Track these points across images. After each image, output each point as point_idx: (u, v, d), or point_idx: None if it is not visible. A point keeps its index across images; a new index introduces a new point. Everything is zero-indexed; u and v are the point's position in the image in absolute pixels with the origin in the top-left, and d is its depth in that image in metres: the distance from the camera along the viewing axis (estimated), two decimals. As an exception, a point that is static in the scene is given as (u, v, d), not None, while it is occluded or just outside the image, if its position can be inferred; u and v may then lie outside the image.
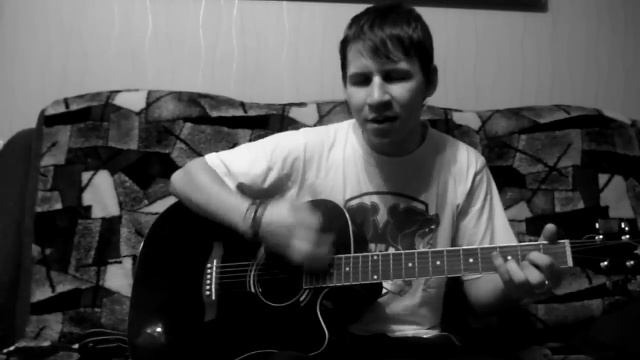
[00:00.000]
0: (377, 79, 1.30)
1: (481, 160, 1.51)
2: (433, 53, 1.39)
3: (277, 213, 1.27)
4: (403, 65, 1.30)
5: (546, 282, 1.12)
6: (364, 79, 1.32)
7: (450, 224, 1.46)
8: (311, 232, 1.24)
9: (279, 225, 1.26)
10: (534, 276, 1.11)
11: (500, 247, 1.18)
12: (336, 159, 1.46)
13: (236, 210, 1.32)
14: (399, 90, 1.31)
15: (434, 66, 1.40)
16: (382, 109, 1.30)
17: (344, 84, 1.40)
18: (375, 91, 1.29)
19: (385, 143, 1.38)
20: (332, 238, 1.26)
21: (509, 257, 1.15)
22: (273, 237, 1.28)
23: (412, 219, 1.44)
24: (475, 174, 1.47)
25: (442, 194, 1.46)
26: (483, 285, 1.41)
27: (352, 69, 1.34)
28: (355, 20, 1.35)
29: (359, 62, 1.31)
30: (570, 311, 1.74)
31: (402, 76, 1.31)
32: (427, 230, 1.45)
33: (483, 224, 1.46)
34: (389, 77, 1.30)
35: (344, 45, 1.37)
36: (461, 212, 1.47)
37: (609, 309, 1.74)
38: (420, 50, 1.32)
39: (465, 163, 1.48)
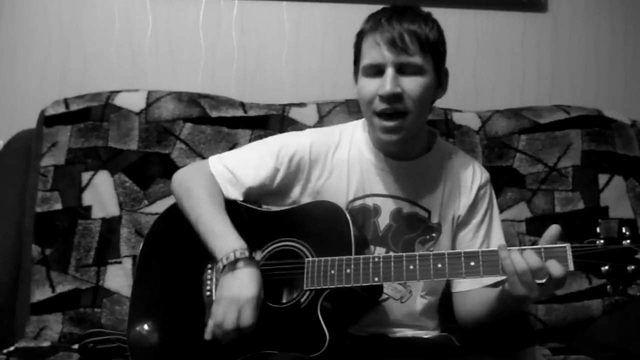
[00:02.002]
0: (390, 71, 1.30)
1: (486, 174, 1.51)
2: (446, 56, 1.40)
3: (236, 281, 1.26)
4: (417, 59, 1.30)
5: (548, 270, 1.11)
6: (376, 71, 1.32)
7: (451, 234, 1.46)
8: (222, 326, 1.24)
9: (228, 290, 1.26)
10: (534, 260, 1.12)
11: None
12: (340, 160, 1.45)
13: (221, 242, 1.32)
14: (412, 84, 1.31)
15: (446, 69, 1.40)
16: (392, 100, 1.30)
17: (355, 79, 1.40)
18: (387, 82, 1.29)
19: (393, 141, 1.36)
20: (237, 337, 1.26)
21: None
22: (219, 290, 1.29)
23: (414, 224, 1.44)
24: (479, 188, 1.47)
25: (446, 203, 1.45)
26: (474, 297, 1.41)
27: (366, 60, 1.34)
28: (373, 15, 1.36)
29: (375, 52, 1.31)
30: (570, 311, 1.74)
31: (416, 71, 1.31)
32: (428, 237, 1.44)
33: (480, 238, 1.46)
34: (402, 70, 1.31)
35: (360, 37, 1.38)
36: (461, 224, 1.46)
37: (609, 309, 1.74)
38: (435, 50, 1.33)
39: (470, 176, 1.47)
